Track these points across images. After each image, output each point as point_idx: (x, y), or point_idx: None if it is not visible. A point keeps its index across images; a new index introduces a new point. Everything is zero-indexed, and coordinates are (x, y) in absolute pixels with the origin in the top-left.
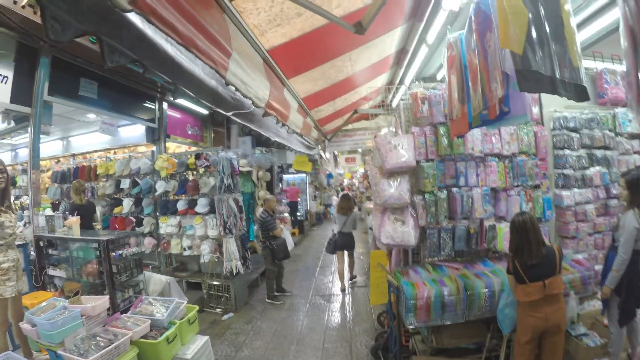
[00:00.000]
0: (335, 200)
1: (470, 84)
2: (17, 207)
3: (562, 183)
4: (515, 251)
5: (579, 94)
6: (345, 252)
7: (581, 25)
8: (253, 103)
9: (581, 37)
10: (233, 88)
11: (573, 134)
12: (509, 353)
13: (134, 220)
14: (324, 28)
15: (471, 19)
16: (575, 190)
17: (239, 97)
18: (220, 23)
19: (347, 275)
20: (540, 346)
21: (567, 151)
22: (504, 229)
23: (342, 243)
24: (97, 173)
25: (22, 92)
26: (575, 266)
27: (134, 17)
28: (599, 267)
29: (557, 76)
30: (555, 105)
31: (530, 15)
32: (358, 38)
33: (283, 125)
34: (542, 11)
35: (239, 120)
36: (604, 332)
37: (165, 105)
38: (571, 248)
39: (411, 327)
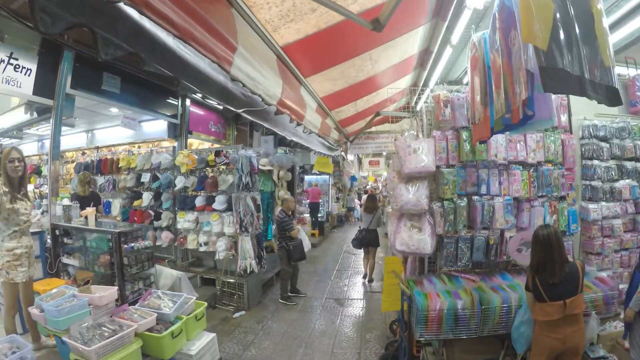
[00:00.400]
0: (357, 202)
1: (493, 85)
2: (36, 196)
3: (589, 195)
4: (537, 268)
5: (611, 97)
6: (370, 251)
7: (612, 27)
8: (263, 100)
9: (611, 40)
10: (241, 84)
11: (603, 144)
12: None
13: (153, 213)
14: (341, 25)
15: (495, 17)
16: (603, 203)
17: (250, 95)
18: (226, 17)
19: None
20: None
21: (595, 162)
22: None
23: (368, 239)
24: (119, 166)
25: (45, 84)
26: (598, 284)
27: (129, 10)
28: (623, 287)
29: (587, 76)
30: (584, 113)
31: (555, 8)
32: (377, 36)
33: (298, 124)
34: (569, 6)
35: (251, 118)
36: (624, 356)
37: (188, 101)
38: (595, 265)
39: (421, 339)
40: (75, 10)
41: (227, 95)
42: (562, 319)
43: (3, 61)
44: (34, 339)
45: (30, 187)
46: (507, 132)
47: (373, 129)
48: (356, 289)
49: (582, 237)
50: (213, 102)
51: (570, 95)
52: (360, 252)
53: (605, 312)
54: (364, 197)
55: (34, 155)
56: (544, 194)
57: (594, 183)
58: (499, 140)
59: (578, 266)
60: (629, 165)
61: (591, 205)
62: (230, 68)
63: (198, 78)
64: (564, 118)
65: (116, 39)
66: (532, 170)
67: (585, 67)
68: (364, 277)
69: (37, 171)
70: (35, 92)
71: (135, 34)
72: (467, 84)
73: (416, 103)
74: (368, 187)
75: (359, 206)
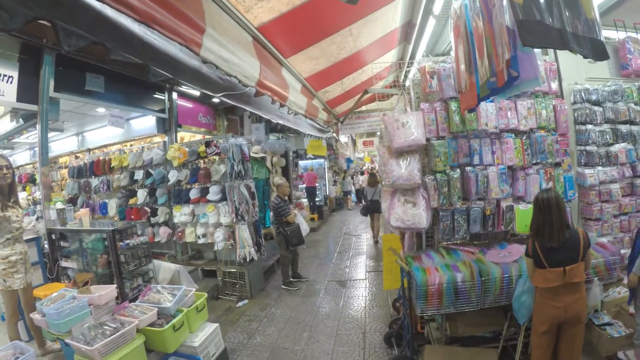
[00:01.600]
0: (352, 186)
1: (476, 51)
2: (30, 203)
3: (584, 160)
4: (537, 231)
5: (596, 50)
6: (375, 216)
7: None
8: (240, 82)
9: (598, 0)
10: (214, 66)
11: (595, 108)
12: (527, 342)
13: (149, 210)
14: (315, 0)
15: None
16: (599, 168)
17: (227, 78)
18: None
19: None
20: (558, 337)
21: (589, 126)
22: (522, 210)
23: (372, 208)
24: (112, 166)
25: (28, 90)
26: (599, 250)
27: None
28: (625, 251)
29: (568, 29)
30: (575, 78)
31: None
32: (355, 10)
33: (282, 106)
34: None
35: (232, 102)
36: (629, 322)
37: (175, 95)
38: (595, 231)
39: (422, 314)
40: (32, 3)
41: (202, 80)
42: (562, 287)
43: None
44: (39, 344)
45: (23, 195)
46: (494, 97)
47: (363, 108)
48: (358, 270)
49: (580, 203)
50: (196, 92)
51: (559, 60)
52: (361, 234)
53: (608, 277)
54: (362, 177)
55: (27, 164)
56: (538, 161)
57: (588, 148)
58: (488, 109)
59: (580, 234)
60: (623, 128)
61: (587, 171)
62: (199, 50)
63: (170, 64)
64: (554, 84)
65: (77, 30)
66: (524, 137)
67: (567, 20)
68: (374, 239)
69: (32, 180)
70: (19, 99)
71: (96, 23)
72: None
73: (404, 79)
74: (364, 167)
75: (354, 189)
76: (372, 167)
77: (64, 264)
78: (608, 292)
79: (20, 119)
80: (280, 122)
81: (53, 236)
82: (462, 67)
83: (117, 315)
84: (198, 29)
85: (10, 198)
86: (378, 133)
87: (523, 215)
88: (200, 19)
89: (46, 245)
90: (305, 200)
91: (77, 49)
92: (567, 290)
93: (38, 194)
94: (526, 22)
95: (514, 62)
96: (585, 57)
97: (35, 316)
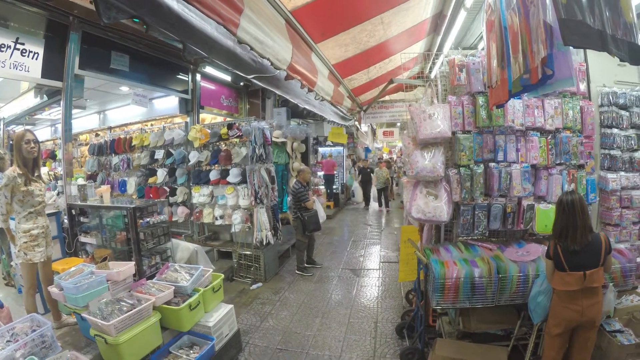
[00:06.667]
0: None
1: (510, 47)
2: (51, 178)
3: (607, 164)
4: (559, 234)
5: (633, 54)
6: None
7: None
8: (272, 64)
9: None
10: (248, 47)
11: (622, 112)
12: (538, 343)
13: (168, 190)
14: None
15: None
16: (622, 173)
17: (260, 60)
18: None
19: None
20: (570, 339)
21: (615, 130)
22: (543, 210)
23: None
24: (133, 144)
25: (53, 67)
26: (616, 256)
27: None
28: None
29: (608, 31)
30: (603, 80)
31: None
32: None
33: (310, 91)
34: None
35: (261, 85)
36: None
37: (198, 76)
38: (613, 236)
39: (437, 307)
40: None
41: (235, 61)
42: (580, 291)
43: (9, 47)
44: (54, 317)
45: (44, 170)
46: (526, 96)
47: (387, 97)
48: (372, 260)
49: (600, 208)
50: (224, 76)
51: (588, 62)
52: (375, 224)
53: (623, 284)
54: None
55: (47, 141)
56: (562, 161)
57: (613, 152)
58: (516, 106)
59: (602, 239)
60: None
61: (610, 175)
62: (236, 30)
63: (206, 42)
64: (582, 85)
65: (118, 2)
66: (550, 137)
67: (607, 22)
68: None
69: (52, 156)
70: (43, 75)
71: None
72: (482, 49)
73: (430, 70)
74: (383, 159)
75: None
76: (390, 158)
77: (82, 239)
78: (621, 299)
79: (45, 95)
80: (307, 107)
81: (73, 211)
82: (494, 62)
83: (134, 292)
84: (236, 9)
85: (34, 172)
86: (398, 124)
87: (543, 215)
88: None
89: (65, 220)
90: (322, 187)
91: (150, 38)
92: (585, 294)
93: (59, 170)
94: (569, 21)
95: (550, 60)
96: (622, 61)
97: (53, 289)
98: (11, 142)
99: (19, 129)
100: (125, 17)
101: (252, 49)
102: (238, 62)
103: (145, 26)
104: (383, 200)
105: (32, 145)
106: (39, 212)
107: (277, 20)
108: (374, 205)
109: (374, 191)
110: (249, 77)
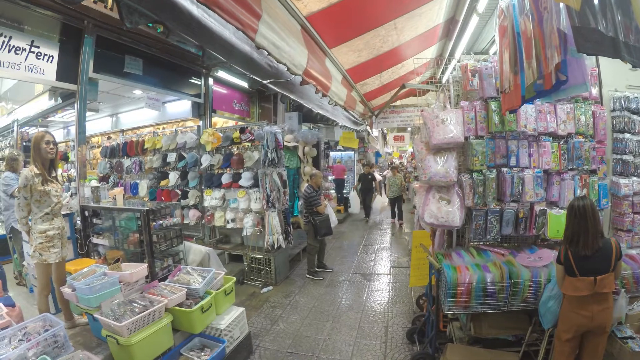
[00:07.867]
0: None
1: (523, 52)
2: (64, 179)
3: (620, 170)
4: (570, 239)
5: None
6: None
7: None
8: (289, 69)
9: None
10: (265, 52)
11: (634, 117)
12: (549, 349)
13: (180, 193)
14: None
15: None
16: (634, 178)
17: (276, 65)
18: None
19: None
20: (580, 345)
21: (627, 135)
22: (555, 215)
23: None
24: (145, 147)
25: (67, 70)
26: (628, 262)
27: None
28: None
29: (621, 38)
30: (615, 85)
31: None
32: (402, 4)
33: (324, 96)
34: None
35: (276, 89)
36: None
37: (211, 80)
38: (625, 242)
39: (449, 312)
40: None
41: (252, 66)
42: (591, 297)
43: (24, 50)
44: (66, 317)
45: (58, 172)
46: (538, 101)
47: (398, 102)
48: (382, 264)
49: (612, 213)
50: (236, 80)
51: (600, 67)
52: (386, 229)
53: (635, 290)
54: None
55: (60, 143)
56: (574, 166)
57: (625, 157)
58: (528, 111)
59: (613, 244)
60: None
61: (622, 180)
62: (255, 35)
63: (225, 47)
64: (594, 90)
65: (141, 7)
66: (562, 142)
67: (619, 29)
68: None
69: (64, 157)
70: (58, 78)
71: (160, 2)
72: (495, 54)
73: (442, 75)
74: (393, 164)
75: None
76: (400, 163)
77: (95, 240)
78: (633, 305)
79: (59, 98)
80: (320, 112)
81: (86, 213)
82: (507, 67)
83: (146, 294)
84: (255, 15)
85: (51, 173)
86: (409, 129)
87: (555, 220)
88: (257, 5)
89: (78, 222)
90: (333, 192)
91: (164, 42)
92: (596, 299)
93: (72, 171)
94: (583, 29)
95: (564, 65)
96: (634, 66)
97: (66, 290)
98: (24, 143)
99: (32, 130)
100: (146, 21)
101: (269, 54)
102: (255, 67)
103: (165, 31)
104: (397, 211)
105: (52, 146)
106: (55, 213)
107: (293, 25)
108: (374, 217)
109: (382, 201)
110: (265, 81)
